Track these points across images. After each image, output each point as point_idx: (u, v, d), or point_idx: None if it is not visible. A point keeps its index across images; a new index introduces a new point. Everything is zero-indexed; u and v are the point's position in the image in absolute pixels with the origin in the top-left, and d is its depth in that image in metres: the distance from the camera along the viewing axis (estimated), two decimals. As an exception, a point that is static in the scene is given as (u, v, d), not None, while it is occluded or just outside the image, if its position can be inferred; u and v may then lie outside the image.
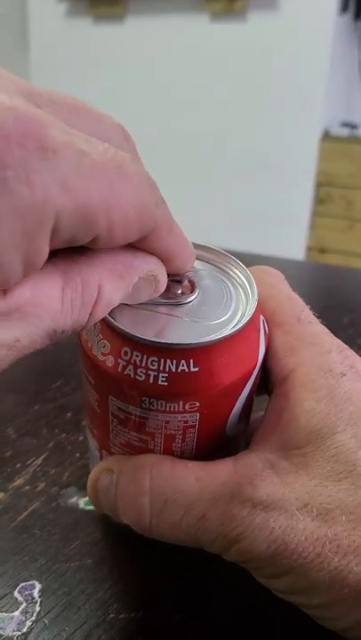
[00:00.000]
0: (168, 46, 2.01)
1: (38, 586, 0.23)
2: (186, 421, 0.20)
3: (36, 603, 0.22)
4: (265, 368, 0.21)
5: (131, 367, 0.19)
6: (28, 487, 0.29)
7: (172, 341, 0.18)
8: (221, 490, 0.19)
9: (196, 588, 0.23)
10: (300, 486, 0.18)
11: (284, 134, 1.92)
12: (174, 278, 0.21)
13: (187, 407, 0.19)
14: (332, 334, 0.22)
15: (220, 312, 0.20)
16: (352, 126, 1.96)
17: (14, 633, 0.21)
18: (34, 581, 0.23)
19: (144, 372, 0.19)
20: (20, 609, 0.22)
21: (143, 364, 0.18)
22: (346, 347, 0.22)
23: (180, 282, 0.21)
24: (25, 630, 0.21)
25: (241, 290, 0.22)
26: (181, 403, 0.19)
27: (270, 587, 0.19)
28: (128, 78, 2.12)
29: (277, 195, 1.98)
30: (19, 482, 0.29)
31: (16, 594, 0.23)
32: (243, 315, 0.20)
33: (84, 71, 2.19)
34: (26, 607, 0.22)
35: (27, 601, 0.22)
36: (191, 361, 0.18)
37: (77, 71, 2.20)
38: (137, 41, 2.05)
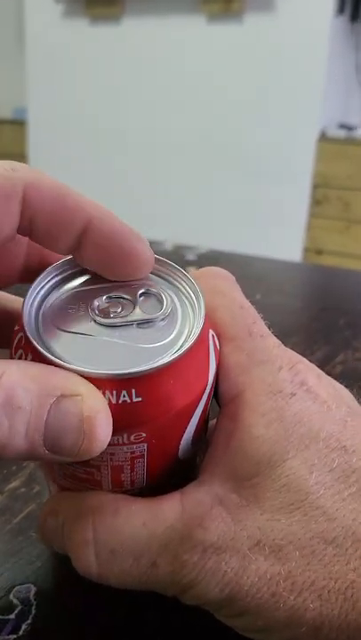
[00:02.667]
0: (165, 47, 2.01)
1: (34, 589, 0.23)
2: (133, 452, 0.18)
3: (31, 606, 0.22)
4: (215, 384, 0.20)
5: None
6: (23, 489, 0.29)
7: (109, 371, 0.16)
8: (170, 534, 0.18)
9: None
10: (252, 522, 0.18)
11: (281, 135, 1.92)
12: (113, 294, 0.19)
13: (132, 439, 0.18)
14: (284, 347, 0.21)
15: (165, 332, 0.18)
16: (349, 128, 1.96)
17: (10, 636, 0.21)
18: (30, 584, 0.23)
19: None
20: (16, 612, 0.22)
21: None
22: (298, 359, 0.21)
23: (120, 298, 0.19)
24: (21, 633, 0.21)
25: (188, 304, 0.20)
26: (125, 435, 0.17)
27: (230, 625, 0.19)
28: (125, 79, 2.12)
29: (274, 196, 1.98)
30: (15, 484, 0.29)
31: (12, 597, 0.23)
32: (189, 334, 0.18)
33: (80, 72, 2.19)
34: (21, 610, 0.22)
35: (22, 604, 0.22)
36: (133, 391, 0.17)
37: (74, 72, 2.20)
38: (134, 42, 2.05)
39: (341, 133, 1.93)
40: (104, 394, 0.17)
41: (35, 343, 0.17)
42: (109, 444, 0.17)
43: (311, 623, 0.17)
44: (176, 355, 0.17)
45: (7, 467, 0.30)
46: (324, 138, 1.92)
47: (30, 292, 0.19)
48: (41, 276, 0.20)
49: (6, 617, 0.22)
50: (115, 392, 0.17)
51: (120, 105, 2.16)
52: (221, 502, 0.18)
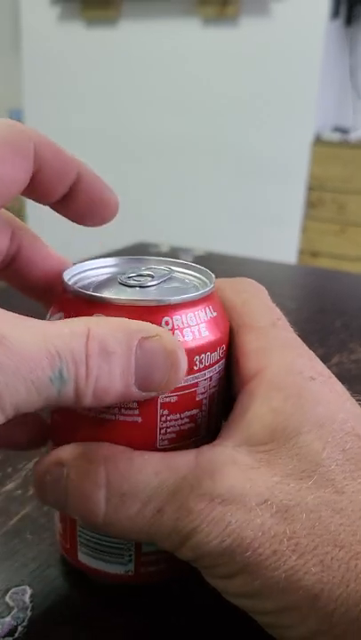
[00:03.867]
0: (161, 50, 2.02)
1: (29, 591, 0.23)
2: (220, 371, 0.21)
3: (27, 608, 0.22)
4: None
5: (177, 332, 0.19)
6: (19, 491, 0.28)
7: (183, 295, 0.20)
8: (180, 483, 0.18)
9: (193, 591, 0.23)
10: (262, 482, 0.18)
11: (276, 138, 1.93)
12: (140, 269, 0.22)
13: (220, 353, 0.21)
14: (305, 345, 0.22)
15: (188, 285, 0.22)
16: (343, 131, 1.97)
17: (6, 638, 0.21)
18: (25, 586, 0.23)
19: (189, 330, 0.20)
20: (12, 614, 0.22)
21: (186, 323, 0.20)
22: (316, 357, 0.22)
23: (144, 273, 0.22)
24: (16, 635, 0.21)
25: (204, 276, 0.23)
26: (218, 350, 0.21)
27: (222, 589, 0.18)
28: (121, 82, 2.12)
29: (269, 198, 1.99)
30: (10, 486, 0.29)
31: (7, 599, 0.23)
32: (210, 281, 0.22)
33: (76, 75, 2.19)
34: (17, 612, 0.22)
35: (18, 606, 0.22)
36: (210, 307, 0.21)
37: (70, 75, 2.20)
38: (130, 45, 2.06)
39: (336, 136, 1.93)
40: (187, 315, 0.20)
41: (87, 293, 0.20)
42: (206, 368, 0.20)
43: (310, 589, 0.16)
44: (213, 284, 0.21)
45: (3, 469, 0.30)
46: (318, 141, 1.92)
47: (67, 271, 0.22)
48: (76, 264, 0.23)
49: (2, 619, 0.22)
50: (201, 310, 0.20)
51: (116, 108, 2.16)
52: (234, 462, 0.19)
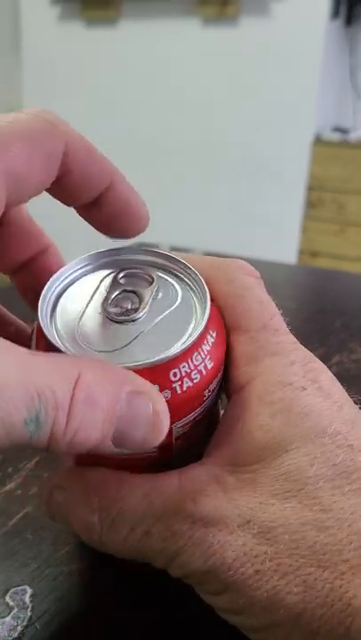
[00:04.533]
0: (161, 50, 2.01)
1: (30, 591, 0.23)
2: (220, 381, 0.21)
3: (27, 608, 0.22)
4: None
5: (186, 379, 0.19)
6: (20, 491, 0.28)
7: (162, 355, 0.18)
8: (166, 505, 0.18)
9: (192, 588, 0.23)
10: (245, 503, 0.18)
11: (276, 138, 1.93)
12: (126, 289, 0.20)
13: (221, 370, 0.20)
14: (299, 345, 0.21)
15: (174, 324, 0.20)
16: (343, 131, 1.97)
17: (6, 638, 0.21)
18: (25, 586, 0.23)
19: (196, 371, 0.19)
20: (12, 614, 0.22)
21: (192, 366, 0.19)
22: (312, 359, 0.21)
23: (131, 294, 0.20)
24: (16, 635, 0.21)
25: (194, 298, 0.21)
26: (220, 368, 0.20)
27: (213, 604, 0.19)
28: (121, 82, 2.12)
29: (269, 198, 1.99)
30: (10, 486, 0.29)
31: (7, 599, 0.23)
32: (197, 323, 0.20)
33: (76, 75, 2.19)
34: (17, 612, 0.22)
35: (18, 606, 0.22)
36: (210, 330, 0.19)
37: (70, 75, 2.20)
38: (130, 45, 2.06)
39: (335, 136, 1.93)
40: (193, 357, 0.18)
41: (47, 334, 0.18)
42: (212, 392, 0.20)
43: (292, 608, 0.16)
44: (196, 332, 0.19)
45: (3, 469, 0.30)
46: (318, 141, 1.92)
47: (47, 287, 0.20)
48: (65, 267, 0.21)
49: (2, 619, 0.22)
50: (205, 342, 0.19)
51: (116, 108, 2.16)
52: (218, 482, 0.19)
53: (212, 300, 0.20)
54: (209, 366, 0.19)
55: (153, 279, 0.21)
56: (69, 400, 0.15)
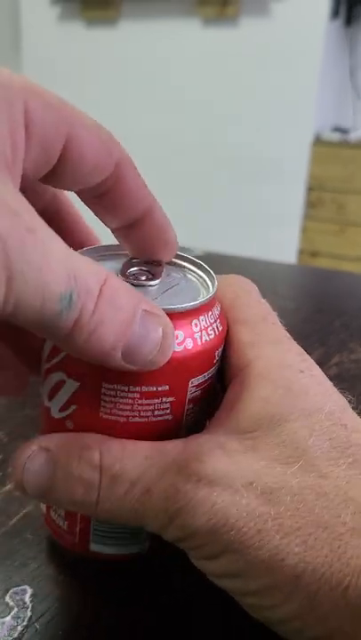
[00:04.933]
0: (160, 51, 2.02)
1: (30, 590, 0.23)
2: (213, 376, 0.22)
3: (27, 608, 0.22)
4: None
5: (204, 332, 0.20)
6: (14, 484, 0.28)
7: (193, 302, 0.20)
8: (169, 465, 0.19)
9: (194, 590, 0.23)
10: (248, 465, 0.18)
11: (275, 139, 1.93)
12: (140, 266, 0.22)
13: (224, 342, 0.22)
14: (293, 340, 0.23)
15: (188, 290, 0.22)
16: (343, 131, 1.97)
17: (6, 638, 0.21)
18: (25, 586, 0.23)
19: (211, 328, 0.20)
20: (12, 614, 0.22)
21: (208, 322, 0.20)
22: (305, 354, 0.22)
23: (145, 271, 0.22)
24: (16, 635, 0.21)
25: (204, 275, 0.23)
26: (225, 340, 0.22)
27: (207, 570, 0.19)
28: (121, 82, 2.12)
29: (269, 198, 1.99)
30: (10, 486, 0.29)
31: (7, 599, 0.23)
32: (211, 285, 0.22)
33: (76, 75, 2.20)
34: (17, 612, 0.22)
35: (18, 606, 0.22)
36: (217, 302, 0.21)
37: (70, 75, 2.21)
38: (130, 45, 2.06)
39: (335, 136, 1.94)
40: (208, 314, 0.20)
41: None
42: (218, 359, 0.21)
43: (293, 568, 0.17)
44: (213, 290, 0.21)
45: (3, 469, 0.30)
46: (318, 141, 1.92)
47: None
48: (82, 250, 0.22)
49: (2, 619, 0.22)
50: (216, 307, 0.21)
51: (116, 108, 2.16)
52: (222, 447, 0.19)
53: None
54: (219, 328, 0.21)
55: (161, 264, 0.23)
56: (97, 293, 0.16)
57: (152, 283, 0.21)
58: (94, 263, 0.17)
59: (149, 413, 0.20)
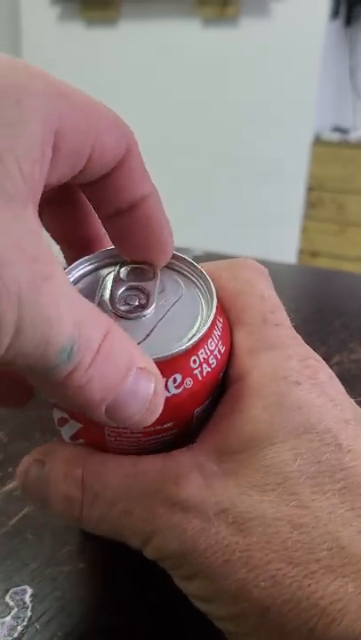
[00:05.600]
0: (160, 51, 2.01)
1: (30, 590, 0.23)
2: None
3: (27, 608, 0.22)
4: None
5: (205, 365, 0.19)
6: (19, 491, 0.28)
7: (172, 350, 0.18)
8: (147, 486, 0.19)
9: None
10: (223, 491, 0.18)
11: (275, 139, 1.93)
12: (133, 286, 0.20)
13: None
14: (300, 340, 0.21)
15: (180, 321, 0.20)
16: (343, 131, 1.97)
17: (6, 638, 0.21)
18: (25, 586, 0.23)
19: (212, 356, 0.19)
20: (12, 614, 0.22)
21: (209, 352, 0.19)
22: (312, 355, 0.21)
23: (138, 291, 0.20)
24: (16, 635, 0.21)
25: (200, 296, 0.21)
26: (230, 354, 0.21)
27: (186, 591, 0.19)
28: (121, 82, 2.12)
29: (269, 198, 1.99)
30: (10, 486, 0.29)
31: (7, 599, 0.23)
32: (203, 321, 0.20)
33: (76, 75, 2.19)
34: (17, 612, 0.22)
35: (18, 606, 0.22)
36: (218, 318, 0.20)
37: (70, 75, 2.20)
38: (130, 45, 2.06)
39: (335, 136, 1.93)
40: (208, 343, 0.19)
41: None
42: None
43: (259, 601, 0.16)
44: (200, 333, 0.19)
45: (3, 469, 0.30)
46: (318, 141, 1.92)
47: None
48: (72, 266, 0.21)
49: (2, 619, 0.22)
50: (216, 329, 0.19)
51: (116, 108, 2.15)
52: (200, 469, 0.19)
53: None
54: (222, 350, 0.20)
55: (155, 273, 0.21)
56: (97, 347, 0.15)
57: (146, 312, 0.20)
58: (99, 312, 0.16)
59: (156, 443, 0.20)
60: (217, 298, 0.20)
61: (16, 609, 0.22)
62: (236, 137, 1.98)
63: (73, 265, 0.21)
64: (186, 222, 2.11)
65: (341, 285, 0.67)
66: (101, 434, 0.19)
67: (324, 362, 0.21)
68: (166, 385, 0.18)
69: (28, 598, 0.23)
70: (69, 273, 0.21)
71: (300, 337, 0.21)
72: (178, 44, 1.98)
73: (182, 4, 1.93)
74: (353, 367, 0.43)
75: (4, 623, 0.22)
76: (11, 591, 0.23)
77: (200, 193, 2.10)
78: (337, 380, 0.21)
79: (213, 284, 0.20)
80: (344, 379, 0.22)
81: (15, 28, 2.32)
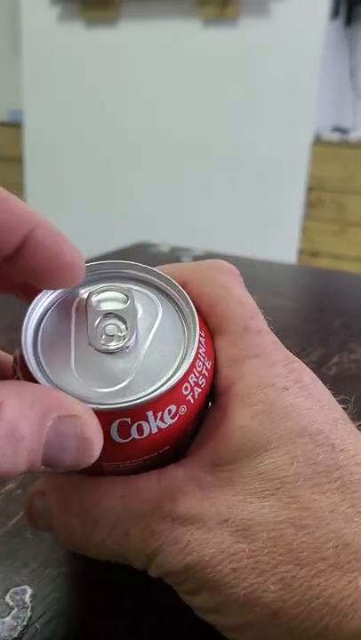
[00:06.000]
0: (160, 51, 2.02)
1: (30, 591, 0.23)
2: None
3: (27, 608, 0.22)
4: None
5: (190, 396, 0.19)
6: (19, 491, 0.28)
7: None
8: (144, 506, 0.18)
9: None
10: (223, 501, 0.18)
11: (275, 139, 1.93)
12: (109, 317, 0.19)
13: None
14: (282, 346, 0.21)
15: (159, 354, 0.19)
16: (343, 131, 1.97)
17: (6, 639, 0.21)
18: (25, 586, 0.23)
19: (197, 388, 0.19)
20: (12, 614, 0.22)
21: (193, 384, 0.19)
22: (294, 359, 0.21)
23: (116, 319, 0.19)
24: (16, 636, 0.21)
25: (181, 321, 0.20)
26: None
27: (191, 605, 0.19)
28: (120, 82, 2.12)
29: (269, 198, 1.99)
30: (10, 486, 0.29)
31: (7, 599, 0.23)
32: (184, 355, 0.19)
33: (76, 75, 2.20)
34: (17, 612, 0.22)
35: (18, 606, 0.22)
36: (201, 341, 0.19)
37: (69, 75, 2.21)
38: (130, 45, 2.06)
39: (335, 136, 1.94)
40: (190, 377, 0.18)
41: (31, 369, 0.18)
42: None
43: (269, 606, 0.16)
44: (178, 374, 0.18)
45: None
46: (318, 141, 1.92)
47: (28, 313, 0.19)
48: (38, 297, 0.20)
49: (2, 619, 0.22)
50: (199, 360, 0.19)
51: (116, 108, 2.16)
52: (196, 481, 0.19)
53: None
54: (209, 367, 0.20)
55: (128, 296, 0.20)
56: None
57: (128, 343, 0.19)
58: None
59: (153, 462, 0.20)
60: (195, 308, 0.19)
61: (16, 609, 0.22)
62: (236, 137, 1.98)
63: (35, 301, 0.20)
64: (186, 222, 2.11)
65: (341, 285, 0.67)
66: (100, 467, 0.19)
67: (303, 364, 0.21)
68: (162, 417, 0.18)
69: (27, 598, 0.23)
70: (33, 310, 0.19)
71: (279, 341, 0.21)
72: (178, 43, 1.98)
73: (182, 4, 1.93)
74: (353, 367, 0.43)
75: (3, 623, 0.22)
76: (11, 591, 0.23)
77: (200, 193, 2.10)
78: (319, 380, 0.21)
79: (189, 299, 0.20)
80: (344, 379, 0.22)
81: (15, 27, 2.32)
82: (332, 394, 0.21)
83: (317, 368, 0.41)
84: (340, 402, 0.21)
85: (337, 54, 1.96)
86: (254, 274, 0.68)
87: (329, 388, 0.21)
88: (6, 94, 2.54)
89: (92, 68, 2.16)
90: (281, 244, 2.00)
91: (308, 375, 0.20)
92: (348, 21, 1.94)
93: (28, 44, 2.26)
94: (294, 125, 1.90)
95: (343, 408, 0.20)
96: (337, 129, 2.00)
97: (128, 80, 2.10)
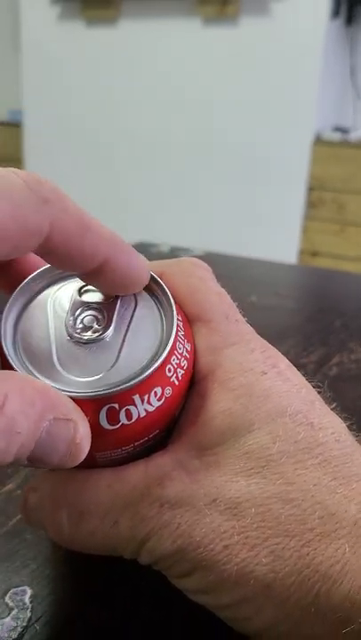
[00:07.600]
0: (161, 50, 2.02)
1: (29, 591, 0.23)
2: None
3: (27, 608, 0.22)
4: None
5: (174, 378, 0.19)
6: (19, 491, 0.28)
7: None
8: (132, 493, 0.19)
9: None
10: (210, 482, 0.18)
11: (276, 138, 1.93)
12: (90, 308, 0.20)
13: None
14: (256, 334, 0.22)
15: (138, 344, 0.19)
16: (343, 131, 1.97)
17: (5, 639, 0.21)
18: (25, 587, 0.23)
19: (181, 371, 0.19)
20: (12, 615, 0.22)
21: (174, 368, 0.19)
22: (270, 347, 0.22)
23: (96, 311, 0.20)
24: (16, 636, 0.21)
25: (159, 311, 0.20)
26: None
27: (182, 587, 0.19)
28: (121, 81, 2.12)
29: (270, 198, 1.99)
30: (10, 486, 0.29)
31: (7, 599, 0.23)
32: (162, 344, 0.19)
33: (76, 74, 2.20)
34: (17, 613, 0.22)
35: (18, 607, 0.22)
36: (180, 325, 0.20)
37: (69, 74, 2.21)
38: (130, 44, 2.06)
39: (336, 136, 1.94)
40: (172, 360, 0.19)
41: (11, 361, 0.18)
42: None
43: (261, 579, 0.17)
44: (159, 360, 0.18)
45: (3, 469, 0.30)
46: (318, 141, 1.92)
47: (8, 306, 0.20)
48: (16, 291, 0.20)
49: (1, 620, 0.22)
50: (180, 343, 0.19)
51: (116, 107, 2.16)
52: (183, 466, 0.19)
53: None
54: (189, 348, 0.20)
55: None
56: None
57: (107, 334, 0.19)
58: None
59: (147, 448, 0.20)
60: (172, 296, 0.20)
61: (16, 610, 0.22)
62: (237, 136, 1.98)
63: (14, 294, 0.20)
64: (186, 222, 2.11)
65: (342, 285, 0.67)
66: (93, 458, 0.19)
67: (279, 352, 0.22)
68: (149, 400, 0.18)
69: (27, 599, 0.23)
70: (21, 294, 0.20)
71: (254, 331, 0.22)
72: (178, 43, 1.98)
73: (182, 3, 1.93)
74: (353, 367, 0.43)
75: (3, 624, 0.22)
76: (10, 592, 0.23)
77: (200, 193, 2.10)
78: (293, 367, 0.22)
79: (166, 286, 0.20)
80: (344, 379, 0.22)
81: (15, 27, 2.32)
82: (332, 395, 0.21)
83: (318, 368, 0.41)
84: (314, 387, 0.21)
85: (338, 54, 1.96)
86: (254, 274, 0.68)
87: (329, 389, 0.21)
88: (6, 94, 2.54)
89: (92, 67, 2.16)
90: (281, 243, 2.00)
91: (283, 362, 0.21)
92: (349, 21, 1.94)
93: (27, 44, 2.26)
94: (295, 125, 1.90)
95: (348, 426, 0.21)
96: (338, 129, 2.00)
97: (128, 79, 2.10)
